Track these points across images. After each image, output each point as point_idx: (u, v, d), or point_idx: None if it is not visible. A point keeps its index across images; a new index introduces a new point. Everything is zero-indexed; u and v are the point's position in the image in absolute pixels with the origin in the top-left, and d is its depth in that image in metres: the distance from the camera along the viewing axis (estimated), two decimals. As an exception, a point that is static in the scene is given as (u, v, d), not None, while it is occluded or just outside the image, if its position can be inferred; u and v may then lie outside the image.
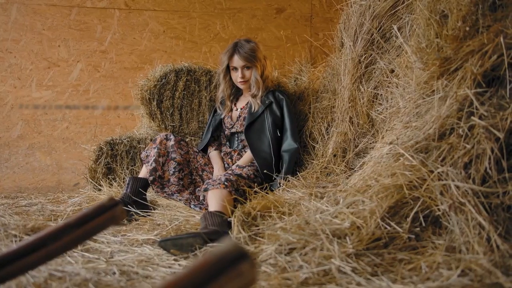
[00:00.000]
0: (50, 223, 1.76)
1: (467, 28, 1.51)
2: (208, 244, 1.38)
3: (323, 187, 1.97)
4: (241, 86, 2.33)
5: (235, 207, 1.78)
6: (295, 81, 2.87)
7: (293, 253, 1.19)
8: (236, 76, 2.29)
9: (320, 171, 2.12)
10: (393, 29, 2.11)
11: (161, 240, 1.38)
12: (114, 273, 1.18)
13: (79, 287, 1.01)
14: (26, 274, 1.02)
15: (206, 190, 1.84)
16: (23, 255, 0.81)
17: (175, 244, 1.35)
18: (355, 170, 2.05)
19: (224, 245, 0.46)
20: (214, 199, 1.75)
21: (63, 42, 3.10)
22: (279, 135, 2.27)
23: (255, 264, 0.46)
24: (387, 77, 2.05)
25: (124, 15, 3.16)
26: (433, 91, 1.64)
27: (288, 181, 1.99)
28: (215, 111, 2.51)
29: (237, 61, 2.26)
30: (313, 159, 2.25)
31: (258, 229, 1.46)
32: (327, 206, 1.48)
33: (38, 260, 0.84)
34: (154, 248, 1.48)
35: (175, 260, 1.34)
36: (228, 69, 2.33)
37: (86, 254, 1.39)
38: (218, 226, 1.51)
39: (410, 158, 1.43)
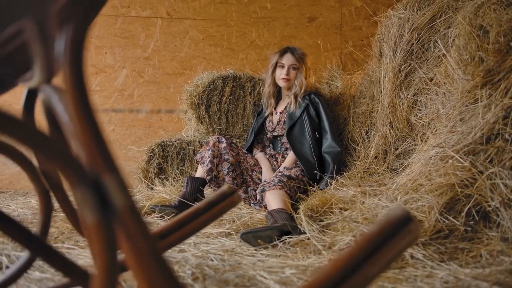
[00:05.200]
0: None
1: (511, 43, 1.68)
2: (283, 236, 1.56)
3: (369, 186, 2.15)
4: (282, 83, 2.49)
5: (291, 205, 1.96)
6: (329, 86, 3.05)
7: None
8: (281, 73, 2.46)
9: (364, 171, 2.30)
10: (431, 40, 2.29)
11: (242, 233, 1.55)
12: (212, 260, 1.36)
13: (197, 269, 1.19)
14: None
15: (263, 191, 2.02)
16: (168, 234, 0.99)
17: (255, 236, 1.53)
18: (397, 171, 2.23)
19: (395, 211, 0.64)
20: (274, 199, 1.92)
21: (109, 49, 3.30)
22: (318, 136, 2.44)
23: (418, 223, 0.65)
24: (427, 85, 2.22)
25: (166, 24, 3.36)
26: (476, 99, 1.81)
27: (337, 180, 2.16)
28: (258, 114, 2.69)
29: (287, 58, 2.44)
30: (355, 160, 2.42)
31: (324, 223, 1.64)
32: (385, 203, 1.65)
33: (179, 238, 1.02)
34: (229, 239, 1.66)
35: (255, 250, 1.51)
36: (276, 67, 2.51)
37: (175, 244, 1.57)
38: (287, 220, 1.68)
39: (461, 160, 1.60)
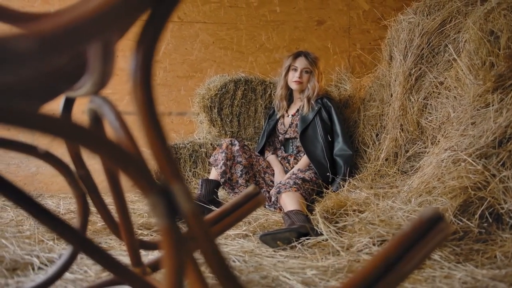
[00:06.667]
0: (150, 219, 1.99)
1: (523, 50, 1.72)
2: (301, 238, 1.59)
3: (381, 188, 2.18)
4: (294, 85, 2.53)
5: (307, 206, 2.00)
6: (338, 89, 3.09)
7: (384, 244, 1.40)
8: (293, 76, 2.51)
9: (375, 174, 2.34)
10: (441, 45, 2.32)
11: (261, 235, 1.59)
12: (234, 261, 1.40)
13: (222, 270, 1.23)
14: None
15: (278, 193, 2.06)
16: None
17: (274, 238, 1.56)
18: (408, 174, 2.27)
19: (426, 211, 0.68)
20: (290, 201, 1.96)
21: (121, 52, 3.34)
22: (330, 139, 2.48)
23: (448, 222, 0.69)
24: (437, 89, 2.26)
25: (176, 27, 3.40)
26: (487, 104, 1.84)
27: (349, 182, 2.20)
28: (270, 117, 2.73)
29: (300, 61, 2.49)
30: (366, 163, 2.46)
31: (340, 225, 1.68)
32: (399, 205, 1.69)
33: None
34: (247, 241, 1.70)
35: (274, 251, 1.55)
36: (289, 70, 2.55)
37: (195, 245, 1.61)
38: (304, 222, 1.72)
39: (474, 163, 1.63)
